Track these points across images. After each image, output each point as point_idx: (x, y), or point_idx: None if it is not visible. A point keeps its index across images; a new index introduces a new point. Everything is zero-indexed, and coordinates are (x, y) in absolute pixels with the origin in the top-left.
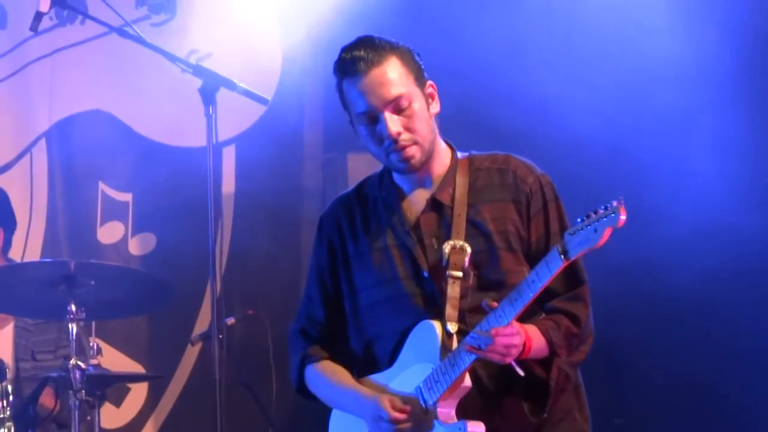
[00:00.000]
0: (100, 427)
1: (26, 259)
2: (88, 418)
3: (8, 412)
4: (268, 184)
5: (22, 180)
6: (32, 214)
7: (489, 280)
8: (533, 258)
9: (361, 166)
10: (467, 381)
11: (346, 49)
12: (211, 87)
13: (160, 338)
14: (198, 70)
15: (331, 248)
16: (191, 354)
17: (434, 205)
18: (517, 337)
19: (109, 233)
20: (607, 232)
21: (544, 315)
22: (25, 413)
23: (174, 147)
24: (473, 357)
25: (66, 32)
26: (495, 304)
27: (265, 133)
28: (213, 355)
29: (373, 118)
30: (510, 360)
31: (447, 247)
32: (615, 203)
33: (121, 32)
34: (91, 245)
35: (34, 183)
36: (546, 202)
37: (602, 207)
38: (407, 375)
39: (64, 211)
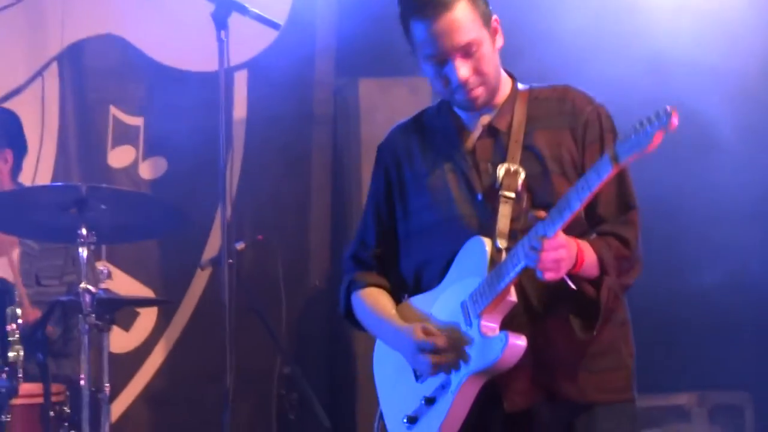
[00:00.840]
0: (109, 351)
1: (37, 183)
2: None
3: (17, 335)
4: (280, 110)
5: (33, 103)
6: (43, 137)
7: (542, 203)
8: None
9: (373, 91)
10: (513, 295)
11: None
12: (223, 11)
13: (170, 263)
14: None
15: (387, 175)
16: (201, 279)
17: (491, 131)
18: (564, 249)
19: (120, 157)
20: (658, 136)
21: (595, 236)
22: (33, 337)
23: (186, 71)
24: (519, 266)
25: None
26: (543, 213)
27: (277, 58)
28: (223, 280)
29: (442, 61)
30: (561, 274)
31: (501, 170)
32: (668, 107)
33: None
34: (101, 169)
35: (46, 106)
36: (603, 131)
37: (654, 113)
38: (454, 291)
39: (75, 134)
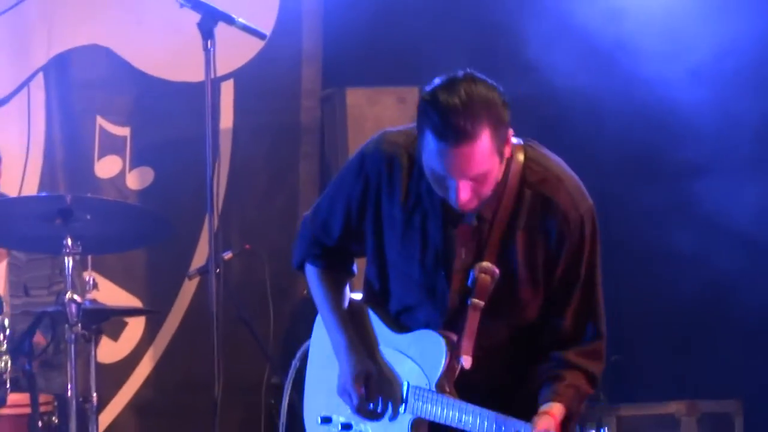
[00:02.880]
0: (96, 362)
1: (23, 194)
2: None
3: (5, 346)
4: (266, 119)
5: (19, 114)
6: (30, 148)
7: (505, 307)
8: (553, 292)
9: (360, 101)
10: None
11: (450, 109)
12: (209, 21)
13: (158, 272)
14: (196, 5)
15: (366, 185)
16: (189, 288)
17: (477, 216)
18: None
19: (106, 167)
20: None
21: (560, 371)
22: (21, 347)
23: (172, 82)
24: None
25: None
26: None
27: (264, 67)
28: (210, 289)
29: (446, 179)
30: None
31: (477, 270)
32: None
33: None
34: (88, 179)
35: (32, 117)
36: (583, 239)
37: None
38: (403, 361)
39: (61, 145)
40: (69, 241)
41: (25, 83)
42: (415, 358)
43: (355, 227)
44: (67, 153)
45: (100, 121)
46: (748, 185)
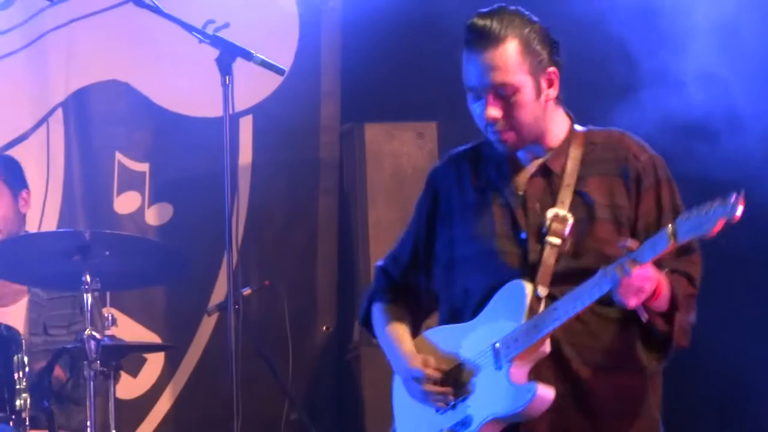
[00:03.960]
0: (115, 398)
1: (43, 230)
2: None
3: (24, 383)
4: (285, 155)
5: (38, 150)
6: (49, 184)
7: (585, 248)
8: (639, 234)
9: (379, 136)
10: (546, 346)
11: (479, 15)
12: (227, 57)
13: (177, 309)
14: (215, 41)
15: (434, 197)
16: (208, 325)
17: (544, 171)
18: (649, 282)
19: (126, 203)
20: (720, 223)
21: (667, 271)
22: (40, 385)
23: (191, 117)
24: (558, 322)
25: (82, 2)
26: (636, 244)
27: (282, 103)
28: (229, 325)
29: (478, 95)
30: (637, 303)
31: (550, 214)
32: (735, 196)
33: (138, 2)
34: (107, 215)
35: (51, 153)
36: (659, 180)
37: (720, 198)
38: (486, 330)
39: (80, 181)
40: (88, 278)
41: (45, 119)
42: (500, 316)
43: (424, 241)
44: (87, 189)
45: (119, 156)
46: None
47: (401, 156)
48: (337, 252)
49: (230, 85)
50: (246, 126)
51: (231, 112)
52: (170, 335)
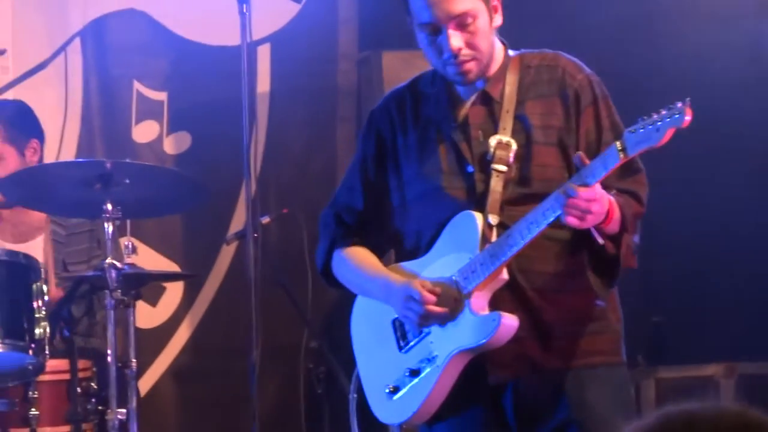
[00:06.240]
0: (135, 327)
1: (62, 159)
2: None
3: (43, 312)
4: (303, 83)
5: (57, 79)
6: (67, 113)
7: (529, 174)
8: (582, 150)
9: (396, 64)
10: (504, 274)
11: None
12: None
13: (196, 237)
14: None
15: (379, 139)
16: (227, 253)
17: (484, 99)
18: (597, 203)
19: (144, 132)
20: (669, 132)
21: (615, 192)
22: (60, 314)
23: (209, 46)
24: (516, 248)
25: None
26: (587, 161)
27: (300, 31)
28: (248, 254)
29: (436, 30)
30: (586, 224)
31: (493, 141)
32: (680, 104)
33: None
34: (126, 144)
35: (69, 83)
36: (596, 97)
37: (666, 108)
38: (442, 263)
39: (98, 110)
40: (109, 206)
41: (62, 48)
42: (453, 249)
43: (375, 185)
44: (105, 118)
45: (137, 85)
46: None
47: None
48: None
49: (248, 14)
50: (264, 54)
51: (249, 40)
52: (189, 264)
